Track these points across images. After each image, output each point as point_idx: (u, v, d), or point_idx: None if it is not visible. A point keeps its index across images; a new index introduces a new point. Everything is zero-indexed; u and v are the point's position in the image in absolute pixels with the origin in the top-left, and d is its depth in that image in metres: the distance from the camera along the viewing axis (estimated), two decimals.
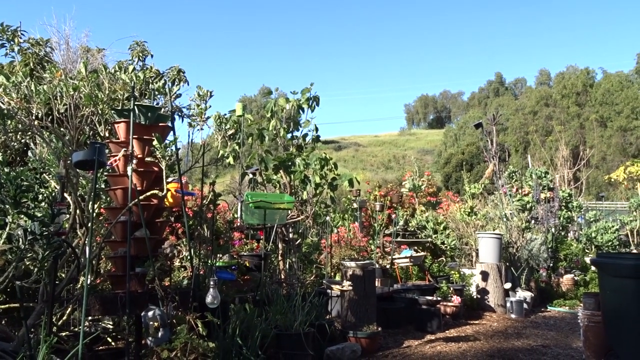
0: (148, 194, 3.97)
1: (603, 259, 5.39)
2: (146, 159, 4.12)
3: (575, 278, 10.46)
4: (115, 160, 4.11)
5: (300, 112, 7.82)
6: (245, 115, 7.18)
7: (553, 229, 11.70)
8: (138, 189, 4.09)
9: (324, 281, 6.16)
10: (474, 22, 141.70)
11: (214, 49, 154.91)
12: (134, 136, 4.06)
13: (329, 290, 6.42)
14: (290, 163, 7.31)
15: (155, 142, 3.96)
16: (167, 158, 4.03)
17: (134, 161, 3.99)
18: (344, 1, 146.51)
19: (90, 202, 3.59)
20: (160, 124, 4.32)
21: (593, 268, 11.42)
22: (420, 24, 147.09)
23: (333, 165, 7.42)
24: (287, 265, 7.26)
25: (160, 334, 3.52)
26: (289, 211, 6.88)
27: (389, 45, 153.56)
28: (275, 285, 6.49)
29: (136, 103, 4.22)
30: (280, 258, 7.21)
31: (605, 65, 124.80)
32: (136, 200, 3.80)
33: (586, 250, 13.38)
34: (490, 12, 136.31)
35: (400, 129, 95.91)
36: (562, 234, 12.80)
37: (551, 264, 10.61)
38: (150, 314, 3.54)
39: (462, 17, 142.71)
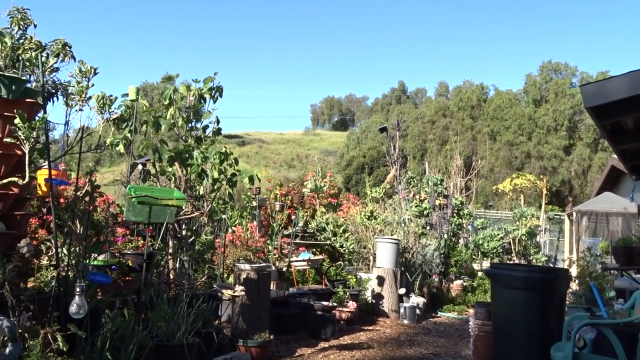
0: (5, 181, 3.35)
1: (496, 270, 5.48)
2: (6, 139, 3.47)
3: (464, 284, 10.83)
4: None
5: (202, 102, 7.32)
6: (139, 101, 6.56)
7: (445, 235, 12.09)
8: None
9: (215, 285, 5.73)
10: (381, 28, 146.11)
11: (117, 32, 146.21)
12: None
13: (220, 294, 6.00)
14: (187, 155, 6.80)
15: (18, 120, 3.34)
16: (33, 140, 3.42)
17: None
18: None
19: None
20: (27, 100, 3.68)
21: (480, 274, 11.95)
22: (326, 24, 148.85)
23: (233, 161, 7.01)
24: (178, 264, 6.75)
25: (8, 350, 2.93)
26: (183, 206, 6.38)
27: (297, 43, 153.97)
28: (162, 285, 5.95)
29: None
30: (169, 257, 6.67)
31: (498, 82, 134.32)
32: None
33: (474, 257, 14.01)
34: (395, 19, 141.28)
35: (305, 128, 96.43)
36: (454, 240, 13.29)
37: (443, 270, 10.92)
38: None
39: (368, 22, 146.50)
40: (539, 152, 42.38)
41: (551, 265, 15.04)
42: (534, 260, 15.01)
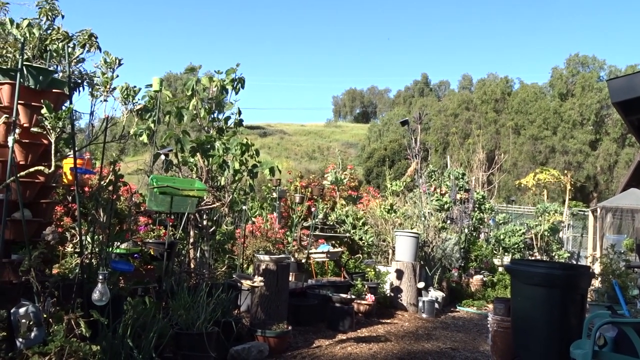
0: (32, 170, 3.43)
1: (516, 266, 5.41)
2: (33, 129, 3.55)
3: (484, 279, 10.74)
4: None
5: (224, 93, 7.37)
6: (163, 91, 6.63)
7: (466, 230, 11.99)
8: (21, 163, 3.53)
9: (234, 275, 5.80)
10: (405, 20, 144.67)
11: (142, 23, 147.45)
12: (20, 101, 3.49)
13: (239, 284, 6.07)
14: (209, 146, 6.86)
15: (44, 110, 3.41)
16: (59, 130, 3.49)
17: (17, 130, 3.43)
18: None
19: None
20: (54, 90, 3.76)
21: (501, 270, 11.84)
22: (349, 16, 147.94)
23: (254, 152, 7.05)
24: (199, 254, 6.83)
25: (33, 334, 3.03)
26: (204, 197, 6.45)
27: (320, 35, 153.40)
28: (183, 274, 6.04)
29: (26, 63, 3.64)
30: (190, 246, 6.76)
31: (523, 76, 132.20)
32: (14, 177, 3.25)
33: (494, 252, 13.89)
34: (419, 11, 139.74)
35: (327, 120, 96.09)
36: (474, 234, 13.19)
37: (462, 264, 10.85)
38: (22, 310, 3.03)
39: (391, 14, 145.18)
40: (563, 146, 41.66)
41: (573, 262, 14.83)
42: (556, 257, 14.82)
